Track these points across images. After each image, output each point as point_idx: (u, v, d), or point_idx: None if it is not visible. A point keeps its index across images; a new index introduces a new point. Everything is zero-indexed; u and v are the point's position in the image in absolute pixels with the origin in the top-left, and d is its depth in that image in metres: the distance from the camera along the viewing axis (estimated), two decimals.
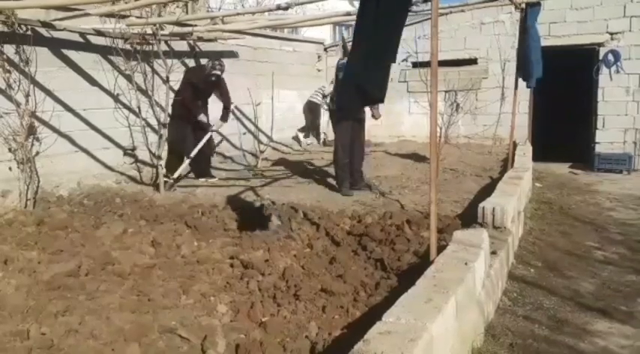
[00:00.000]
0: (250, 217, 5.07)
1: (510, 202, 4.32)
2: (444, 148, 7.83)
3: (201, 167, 7.06)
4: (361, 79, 3.23)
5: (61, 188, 5.93)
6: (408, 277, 3.13)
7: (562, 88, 9.53)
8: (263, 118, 8.92)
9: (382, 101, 3.43)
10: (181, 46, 7.57)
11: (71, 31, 6.07)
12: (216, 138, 7.80)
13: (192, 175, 7.11)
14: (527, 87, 6.75)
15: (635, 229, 5.34)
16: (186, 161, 6.77)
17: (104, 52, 6.37)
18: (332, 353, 2.58)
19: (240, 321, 3.04)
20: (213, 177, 7.04)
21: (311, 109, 10.08)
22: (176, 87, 6.84)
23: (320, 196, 5.75)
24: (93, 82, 6.46)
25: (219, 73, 6.77)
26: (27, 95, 5.42)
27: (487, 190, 5.23)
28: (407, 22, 3.47)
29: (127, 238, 4.44)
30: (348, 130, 6.00)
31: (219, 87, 7.01)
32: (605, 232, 5.29)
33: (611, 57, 8.53)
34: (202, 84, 6.82)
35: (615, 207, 6.25)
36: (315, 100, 9.97)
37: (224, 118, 7.12)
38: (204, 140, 6.81)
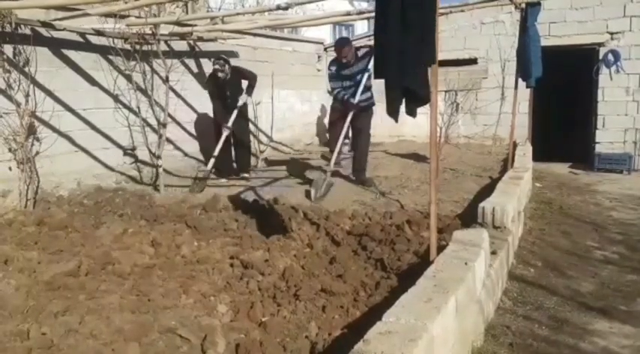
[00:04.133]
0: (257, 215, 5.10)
1: (510, 201, 4.32)
2: (444, 148, 7.82)
3: (226, 166, 7.13)
4: (404, 81, 3.06)
5: (61, 188, 5.92)
6: (408, 277, 3.13)
7: (562, 88, 9.52)
8: (263, 117, 8.91)
9: (429, 101, 3.11)
10: (181, 46, 7.57)
11: (71, 31, 6.06)
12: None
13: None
14: (527, 87, 6.73)
15: (635, 228, 5.34)
16: (211, 161, 6.78)
17: (104, 52, 6.36)
18: (332, 353, 2.58)
19: (240, 321, 3.04)
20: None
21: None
22: (176, 87, 6.87)
23: None
24: (93, 82, 6.46)
25: (220, 71, 6.78)
26: (27, 95, 5.42)
27: (487, 190, 5.22)
28: None
29: (127, 238, 4.44)
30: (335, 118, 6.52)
31: (241, 77, 7.08)
32: (605, 231, 5.28)
33: (611, 57, 8.52)
34: (212, 86, 6.98)
35: (615, 207, 6.25)
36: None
37: (248, 92, 7.11)
38: (222, 139, 6.82)
